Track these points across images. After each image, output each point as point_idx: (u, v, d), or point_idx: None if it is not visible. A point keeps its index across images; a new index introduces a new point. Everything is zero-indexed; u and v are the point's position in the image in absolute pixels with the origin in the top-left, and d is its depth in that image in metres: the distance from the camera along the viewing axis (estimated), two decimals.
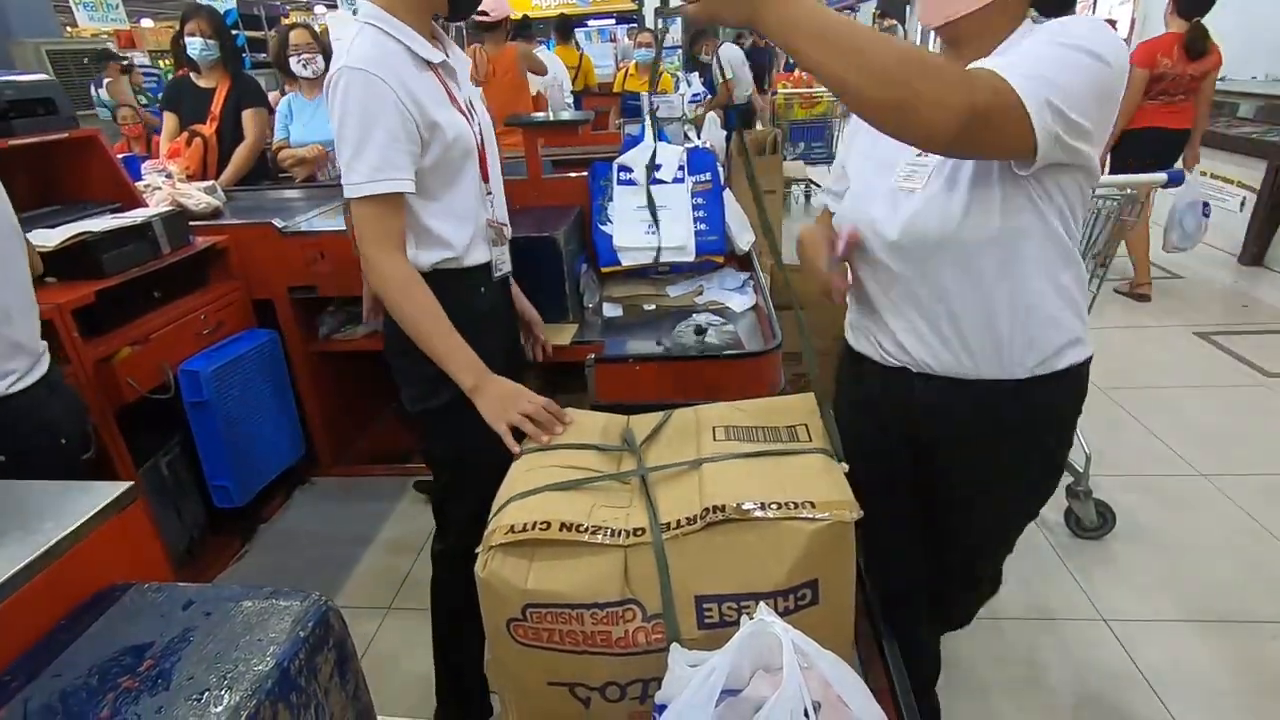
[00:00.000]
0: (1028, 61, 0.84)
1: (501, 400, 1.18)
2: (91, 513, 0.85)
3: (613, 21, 11.24)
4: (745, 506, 0.83)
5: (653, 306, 2.00)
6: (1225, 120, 4.86)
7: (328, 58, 3.12)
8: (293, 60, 3.03)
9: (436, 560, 1.53)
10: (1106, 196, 2.00)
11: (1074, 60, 0.85)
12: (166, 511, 2.07)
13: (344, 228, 2.25)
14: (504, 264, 1.45)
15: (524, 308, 1.60)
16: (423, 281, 1.24)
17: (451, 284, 1.31)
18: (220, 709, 0.65)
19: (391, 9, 1.21)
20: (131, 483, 0.93)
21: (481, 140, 1.34)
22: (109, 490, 0.90)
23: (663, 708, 0.72)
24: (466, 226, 1.32)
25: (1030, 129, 0.83)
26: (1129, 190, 1.98)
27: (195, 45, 2.97)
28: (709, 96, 4.84)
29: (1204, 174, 4.73)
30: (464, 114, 1.29)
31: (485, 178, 1.36)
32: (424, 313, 1.23)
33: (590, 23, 10.99)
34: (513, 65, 3.72)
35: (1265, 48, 4.98)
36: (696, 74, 5.22)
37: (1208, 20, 3.61)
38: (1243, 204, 4.42)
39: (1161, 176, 2.03)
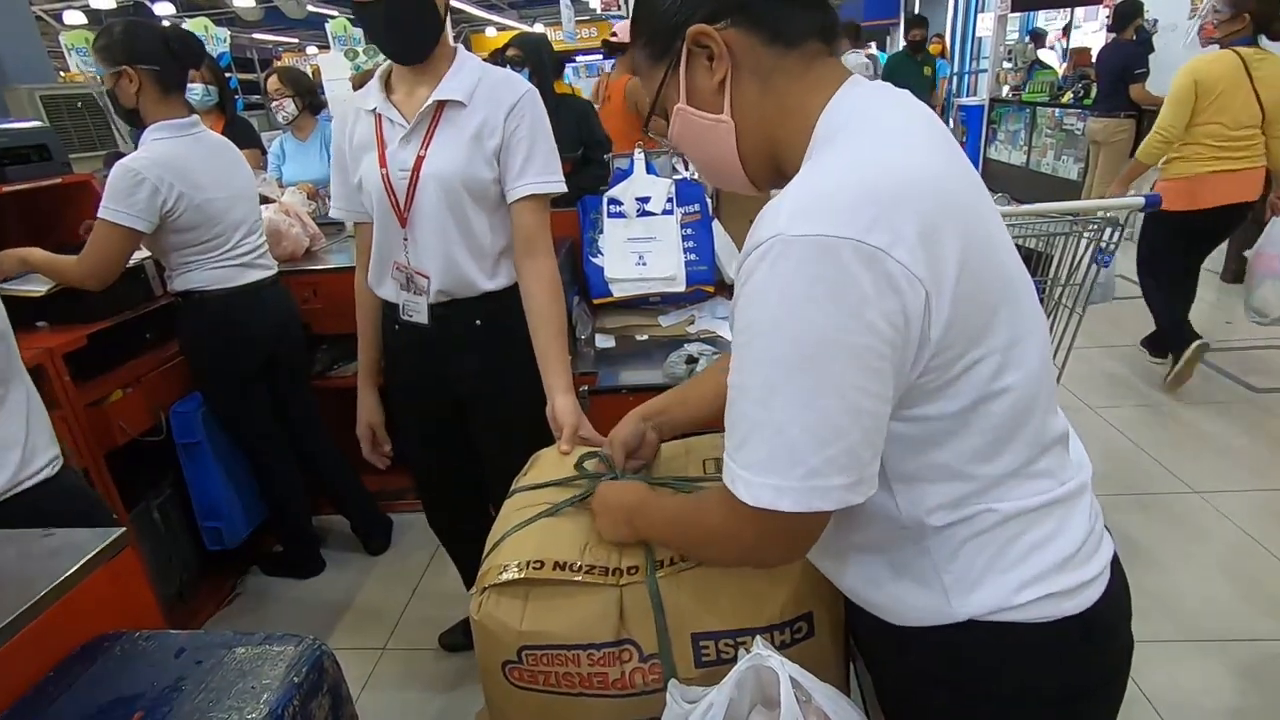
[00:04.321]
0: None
1: (362, 410, 1.63)
2: (81, 562, 0.85)
3: (600, 56, 11.47)
4: None
5: (645, 337, 2.02)
6: None
7: (309, 100, 3.17)
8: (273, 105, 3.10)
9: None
10: (1085, 221, 2.02)
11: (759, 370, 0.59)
12: (157, 555, 2.04)
13: (336, 266, 2.29)
14: (414, 312, 1.44)
15: (556, 411, 1.29)
16: (364, 296, 1.55)
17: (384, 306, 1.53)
18: None
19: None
20: (123, 529, 0.92)
21: (391, 185, 1.36)
22: (99, 538, 0.89)
23: None
24: (379, 262, 1.47)
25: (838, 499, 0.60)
26: (1107, 214, 2.01)
27: (196, 92, 3.02)
28: None
29: None
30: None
31: (402, 222, 1.39)
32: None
33: (579, 58, 11.28)
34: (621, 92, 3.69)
35: None
36: None
37: None
38: None
39: (1139, 200, 2.07)
